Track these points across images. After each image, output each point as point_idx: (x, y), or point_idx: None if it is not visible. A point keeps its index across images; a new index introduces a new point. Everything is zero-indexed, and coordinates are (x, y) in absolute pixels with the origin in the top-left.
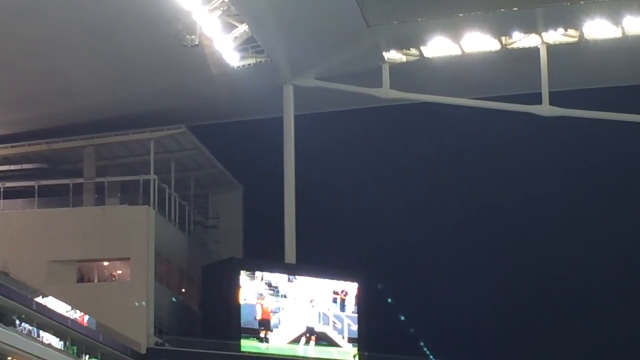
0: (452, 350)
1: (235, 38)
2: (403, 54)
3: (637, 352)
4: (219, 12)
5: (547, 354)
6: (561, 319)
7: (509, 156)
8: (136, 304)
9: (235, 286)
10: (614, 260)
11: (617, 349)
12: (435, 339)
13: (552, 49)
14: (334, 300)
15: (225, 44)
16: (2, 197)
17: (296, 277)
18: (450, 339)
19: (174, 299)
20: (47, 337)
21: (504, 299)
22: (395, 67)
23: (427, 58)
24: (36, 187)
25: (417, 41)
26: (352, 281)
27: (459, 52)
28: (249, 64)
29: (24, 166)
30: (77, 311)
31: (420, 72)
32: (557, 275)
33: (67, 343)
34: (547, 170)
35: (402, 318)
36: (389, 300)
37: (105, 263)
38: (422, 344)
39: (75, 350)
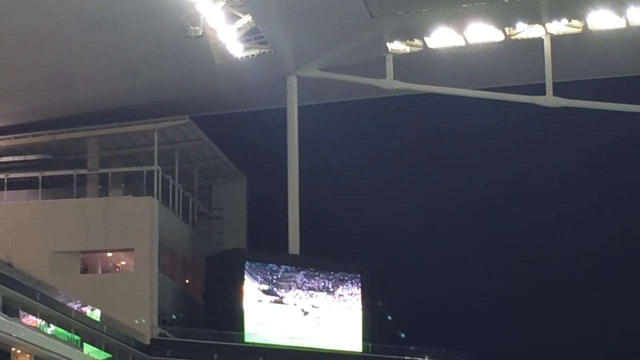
0: (455, 340)
1: (239, 29)
2: (407, 45)
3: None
4: (222, 3)
5: (549, 343)
6: (561, 308)
7: (513, 147)
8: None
9: (239, 277)
10: (616, 249)
11: (620, 343)
12: (438, 329)
13: (556, 39)
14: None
15: (229, 35)
16: (6, 188)
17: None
18: (454, 328)
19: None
20: None
21: (509, 288)
22: (398, 57)
23: (431, 49)
24: (40, 178)
25: (420, 32)
26: (356, 272)
27: (462, 43)
28: (253, 55)
29: (28, 157)
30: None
31: (424, 63)
32: (560, 264)
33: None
34: (551, 160)
35: (390, 317)
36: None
37: (109, 254)
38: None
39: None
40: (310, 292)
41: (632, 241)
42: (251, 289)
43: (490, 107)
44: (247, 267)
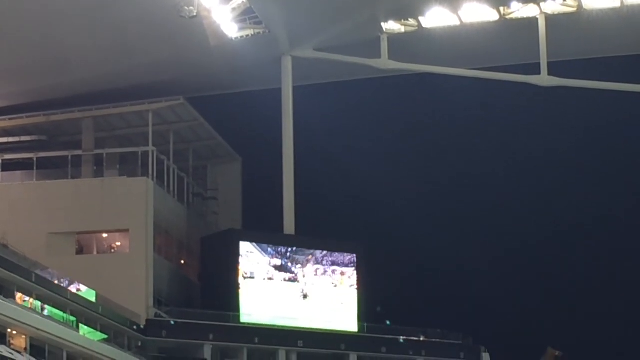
0: (451, 320)
1: (234, 9)
2: (401, 25)
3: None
4: None
5: (545, 323)
6: (558, 287)
7: (508, 126)
8: None
9: (234, 257)
10: (612, 226)
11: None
12: (434, 309)
13: (550, 19)
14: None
15: (224, 15)
16: (0, 170)
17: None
18: (450, 308)
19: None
20: None
21: (505, 269)
22: (393, 37)
23: (426, 28)
24: (35, 159)
25: (415, 11)
26: (351, 252)
27: (457, 23)
28: (247, 35)
29: (23, 138)
30: None
31: (419, 43)
32: (557, 243)
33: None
34: (545, 139)
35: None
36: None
37: (105, 235)
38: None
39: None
40: (334, 267)
41: (628, 219)
42: (261, 265)
43: (485, 87)
44: (255, 244)
